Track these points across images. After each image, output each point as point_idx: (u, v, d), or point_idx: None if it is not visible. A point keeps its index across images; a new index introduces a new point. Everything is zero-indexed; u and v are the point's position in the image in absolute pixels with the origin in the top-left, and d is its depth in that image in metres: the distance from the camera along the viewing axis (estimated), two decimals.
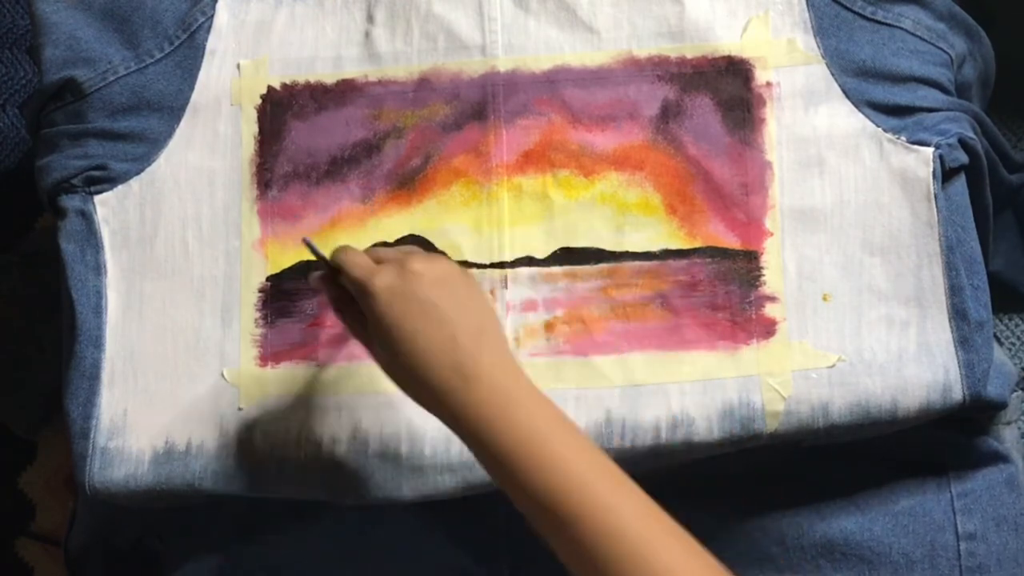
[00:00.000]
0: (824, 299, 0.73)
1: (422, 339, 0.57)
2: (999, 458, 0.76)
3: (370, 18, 0.78)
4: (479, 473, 0.72)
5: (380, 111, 0.77)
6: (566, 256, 0.75)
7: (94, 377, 0.74)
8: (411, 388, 0.59)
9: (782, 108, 0.75)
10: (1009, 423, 0.78)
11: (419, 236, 0.75)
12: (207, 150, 0.77)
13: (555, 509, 0.53)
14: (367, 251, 0.64)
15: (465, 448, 0.71)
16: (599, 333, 0.73)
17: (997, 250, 0.89)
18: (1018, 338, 1.08)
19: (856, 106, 0.74)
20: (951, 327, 0.71)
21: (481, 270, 0.75)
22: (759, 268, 0.73)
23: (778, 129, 0.75)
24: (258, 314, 0.75)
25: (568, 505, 0.53)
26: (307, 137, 0.77)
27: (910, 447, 0.75)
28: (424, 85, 0.77)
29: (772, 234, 0.74)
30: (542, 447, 0.55)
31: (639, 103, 0.76)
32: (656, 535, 0.53)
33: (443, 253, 0.75)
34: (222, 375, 0.74)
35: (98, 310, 0.75)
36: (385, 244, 0.75)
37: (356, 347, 0.74)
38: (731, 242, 0.74)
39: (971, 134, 0.74)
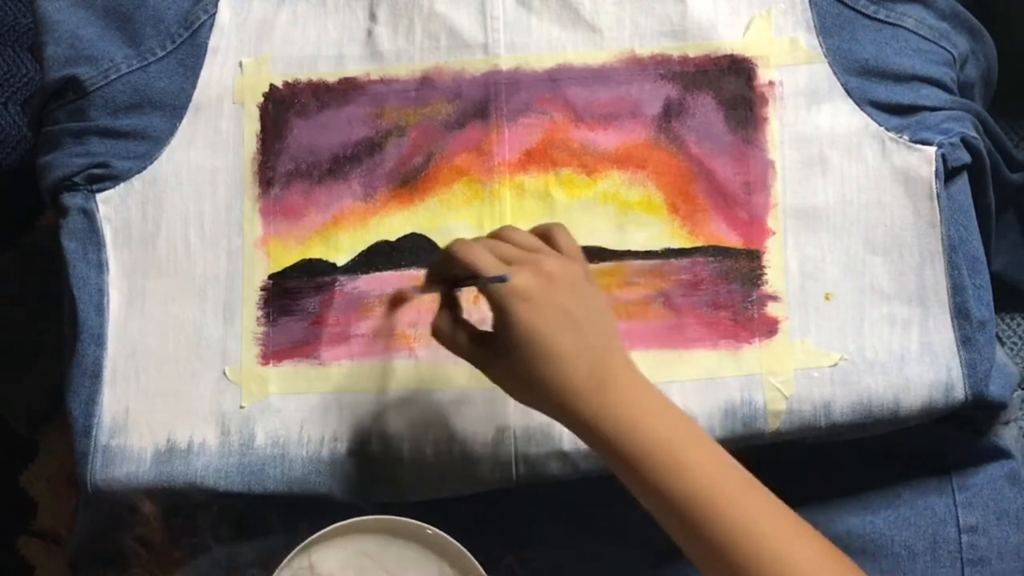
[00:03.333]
0: (826, 298, 0.73)
1: (561, 343, 0.57)
2: (1000, 453, 0.76)
3: (372, 16, 0.78)
4: (481, 472, 0.72)
5: (382, 109, 0.77)
6: None
7: (96, 375, 0.74)
8: (540, 394, 0.58)
9: (784, 107, 0.75)
10: (1008, 422, 0.78)
11: (421, 235, 0.75)
12: (209, 148, 0.77)
13: (689, 512, 0.54)
14: (489, 246, 0.61)
15: (467, 447, 0.72)
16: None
17: (999, 249, 0.89)
18: (1020, 337, 1.08)
19: (859, 105, 0.74)
20: (953, 326, 0.71)
21: None
22: (761, 267, 0.73)
23: (780, 128, 0.75)
24: (260, 312, 0.75)
25: (702, 508, 0.54)
26: (309, 135, 0.77)
27: (912, 443, 0.75)
28: (426, 83, 0.77)
29: (774, 233, 0.74)
30: (674, 451, 0.55)
31: (641, 102, 0.76)
32: (789, 534, 0.54)
33: (442, 250, 0.75)
34: (224, 373, 0.74)
35: (100, 308, 0.75)
36: (387, 243, 0.75)
37: (357, 346, 0.74)
38: (733, 241, 0.74)
39: (973, 133, 0.74)
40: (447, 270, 0.62)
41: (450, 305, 0.64)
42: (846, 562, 0.54)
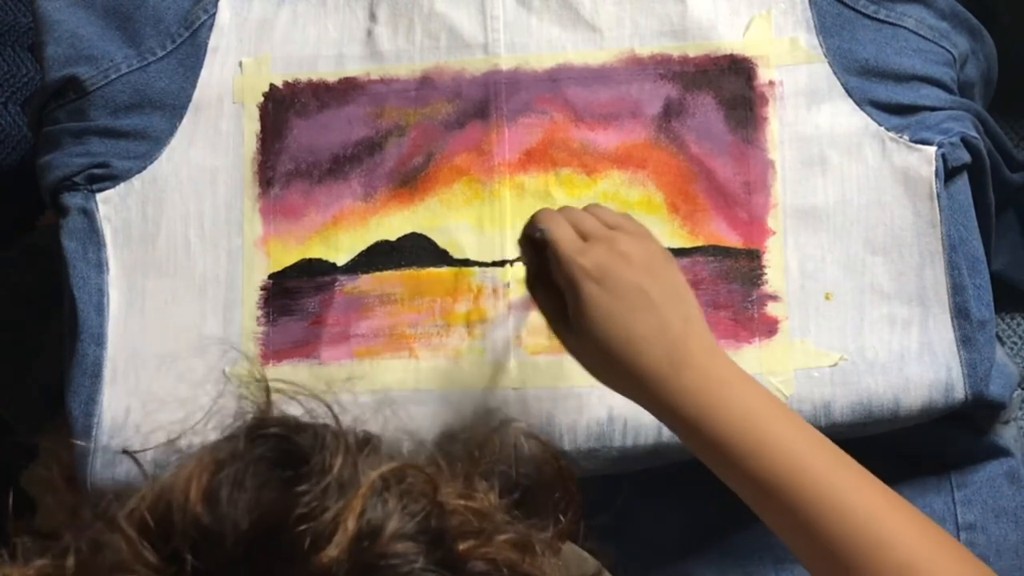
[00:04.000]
0: (826, 298, 0.73)
1: (635, 325, 0.55)
2: (999, 451, 0.76)
3: (372, 16, 0.78)
4: None
5: (382, 109, 0.77)
6: None
7: (96, 375, 0.74)
8: (614, 375, 0.57)
9: (784, 107, 0.75)
10: (1008, 421, 0.78)
11: (421, 234, 0.75)
12: (209, 148, 0.77)
13: (778, 492, 0.52)
14: (573, 219, 0.59)
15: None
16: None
17: (999, 249, 0.89)
18: (1020, 337, 1.08)
19: (859, 105, 0.74)
20: (953, 326, 0.71)
21: (483, 268, 0.74)
22: (761, 267, 0.73)
23: (780, 128, 0.75)
24: (260, 312, 0.75)
25: (792, 487, 0.52)
26: (309, 135, 0.77)
27: (911, 442, 0.75)
28: (426, 83, 0.77)
29: (774, 233, 0.74)
30: (759, 431, 0.53)
31: (641, 102, 0.76)
32: (881, 506, 0.52)
33: (445, 251, 0.75)
34: (224, 373, 0.74)
35: (100, 308, 0.75)
36: (387, 243, 0.75)
37: (357, 346, 0.74)
38: (733, 241, 0.74)
39: (974, 133, 0.74)
40: (533, 233, 0.61)
41: (541, 267, 0.61)
42: (939, 532, 0.52)
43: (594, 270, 0.56)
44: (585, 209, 0.62)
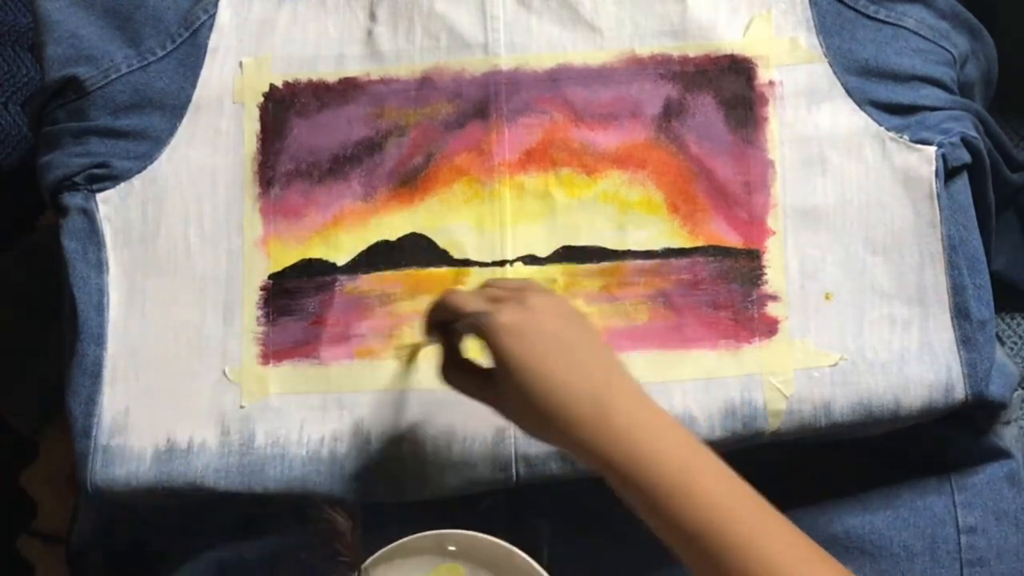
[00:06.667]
0: (826, 298, 0.73)
1: (557, 374, 0.56)
2: (1000, 453, 0.76)
3: (372, 16, 0.78)
4: (481, 472, 0.72)
5: (382, 109, 0.77)
6: (568, 254, 0.75)
7: (96, 375, 0.74)
8: (543, 427, 0.58)
9: (784, 107, 0.75)
10: (1009, 422, 0.78)
11: (421, 234, 0.75)
12: (209, 148, 0.77)
13: (704, 540, 0.53)
14: (478, 292, 0.62)
15: (467, 447, 0.72)
16: (601, 332, 0.73)
17: (999, 249, 0.89)
18: (1020, 337, 1.08)
19: (859, 105, 0.74)
20: (953, 326, 0.71)
21: (483, 268, 0.75)
22: (761, 267, 0.73)
23: (780, 128, 0.75)
24: (260, 312, 0.75)
25: (719, 536, 0.53)
26: (309, 135, 0.77)
27: (912, 443, 0.75)
28: (426, 83, 0.77)
29: (774, 233, 0.74)
30: (688, 479, 0.54)
31: (641, 102, 0.76)
32: (807, 563, 0.53)
33: (445, 251, 0.75)
34: (224, 373, 0.74)
35: (100, 308, 0.75)
36: (387, 243, 0.75)
37: (357, 346, 0.74)
38: (733, 241, 0.74)
39: (974, 133, 0.74)
40: (441, 317, 0.63)
41: (451, 351, 0.64)
42: None
43: (511, 326, 0.57)
44: (486, 283, 0.64)
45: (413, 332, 0.73)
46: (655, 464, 0.54)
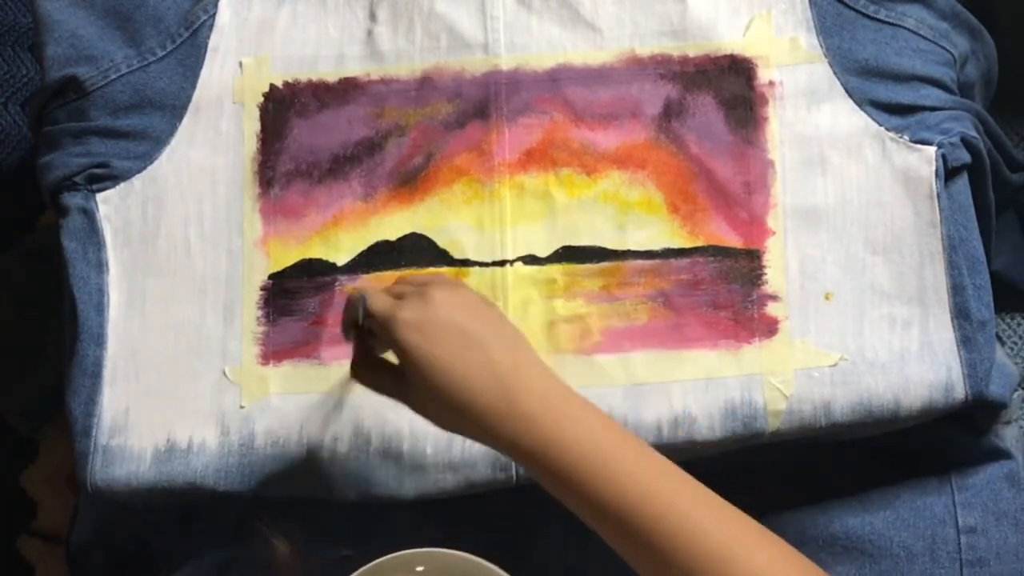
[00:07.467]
0: (826, 298, 0.73)
1: (460, 365, 0.56)
2: (1000, 454, 0.76)
3: (372, 16, 0.78)
4: (481, 472, 0.72)
5: (382, 109, 0.77)
6: (568, 254, 0.75)
7: (96, 375, 0.74)
8: (454, 419, 0.57)
9: (784, 107, 0.75)
10: (1009, 422, 0.78)
11: (421, 234, 0.75)
12: (209, 148, 0.77)
13: (627, 521, 0.52)
14: (387, 288, 0.62)
15: (467, 447, 0.72)
16: (601, 332, 0.73)
17: (999, 249, 0.89)
18: (1020, 337, 1.08)
19: (859, 105, 0.74)
20: (953, 326, 0.71)
21: (483, 268, 0.75)
22: (761, 267, 0.73)
23: (780, 128, 0.75)
24: (260, 312, 0.75)
25: (642, 515, 0.52)
26: (309, 135, 0.77)
27: (912, 443, 0.75)
28: (426, 83, 0.77)
29: (774, 233, 0.74)
30: (605, 460, 0.53)
31: (641, 102, 0.76)
32: (735, 531, 0.52)
33: (445, 251, 0.75)
34: (224, 373, 0.74)
35: (100, 308, 0.75)
36: (387, 243, 0.75)
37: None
38: (733, 241, 0.74)
39: (974, 133, 0.74)
40: (352, 316, 0.62)
41: (364, 349, 0.64)
42: (796, 556, 0.52)
43: (413, 321, 0.57)
44: (396, 281, 0.64)
45: None
46: (568, 447, 0.54)
